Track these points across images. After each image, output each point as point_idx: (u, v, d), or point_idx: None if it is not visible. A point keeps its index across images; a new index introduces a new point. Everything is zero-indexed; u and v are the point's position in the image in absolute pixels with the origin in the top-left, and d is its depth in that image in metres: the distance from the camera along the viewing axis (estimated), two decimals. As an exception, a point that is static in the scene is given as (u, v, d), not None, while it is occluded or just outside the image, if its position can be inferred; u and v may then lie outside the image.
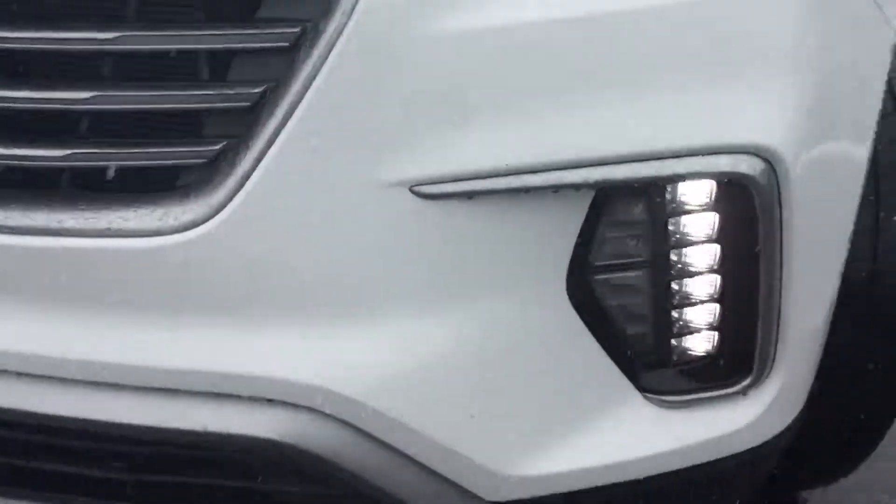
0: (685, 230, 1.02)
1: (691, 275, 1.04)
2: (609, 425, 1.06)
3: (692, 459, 1.10)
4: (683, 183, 0.98)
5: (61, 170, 0.93)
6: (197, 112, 0.90)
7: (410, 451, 0.98)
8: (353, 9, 0.87)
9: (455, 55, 0.88)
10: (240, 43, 0.88)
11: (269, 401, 0.95)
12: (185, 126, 0.91)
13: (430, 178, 0.90)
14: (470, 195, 0.92)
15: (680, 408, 1.09)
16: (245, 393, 0.94)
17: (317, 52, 0.86)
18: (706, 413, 1.10)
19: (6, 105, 0.93)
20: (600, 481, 1.06)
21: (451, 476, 1.01)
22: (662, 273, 1.03)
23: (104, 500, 1.05)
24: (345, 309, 0.93)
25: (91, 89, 0.90)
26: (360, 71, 0.87)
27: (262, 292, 0.91)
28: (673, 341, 1.07)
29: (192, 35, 0.89)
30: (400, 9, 0.88)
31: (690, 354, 1.08)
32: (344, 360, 0.94)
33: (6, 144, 0.93)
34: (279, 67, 0.87)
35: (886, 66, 1.08)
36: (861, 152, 1.07)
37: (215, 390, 0.94)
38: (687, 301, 1.06)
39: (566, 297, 1.00)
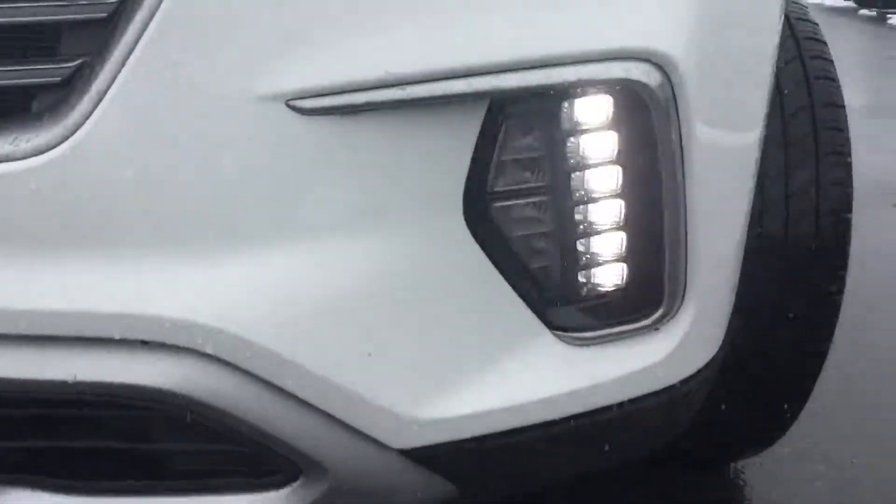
0: (584, 152, 0.97)
1: (594, 200, 1.00)
2: (518, 364, 1.00)
3: (606, 398, 1.05)
4: (579, 99, 0.94)
5: None
6: (51, 27, 0.83)
7: (306, 396, 0.91)
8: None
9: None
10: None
11: (145, 343, 0.87)
12: (39, 44, 0.84)
13: (307, 91, 0.85)
14: (352, 109, 0.86)
15: (591, 344, 1.04)
16: (116, 335, 0.86)
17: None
18: (619, 349, 1.05)
19: None
20: (512, 423, 1.00)
21: (351, 422, 0.94)
22: (563, 199, 0.99)
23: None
24: (222, 237, 0.86)
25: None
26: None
27: (126, 221, 0.84)
28: (579, 273, 1.02)
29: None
30: None
31: (598, 287, 1.04)
32: (223, 294, 0.87)
33: None
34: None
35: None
36: (761, 65, 1.04)
37: (82, 334, 0.86)
38: (591, 230, 1.01)
39: (465, 226, 0.95)
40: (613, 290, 1.04)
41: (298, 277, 0.89)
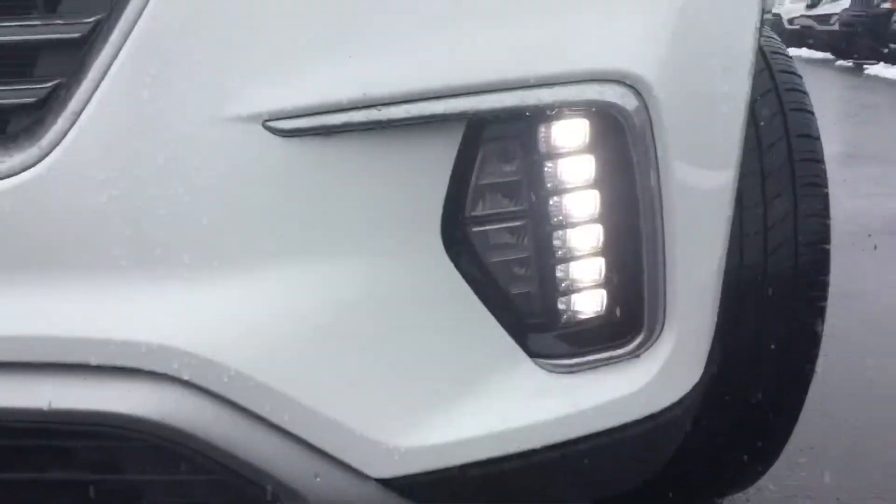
0: (561, 176, 0.98)
1: (572, 225, 1.00)
2: (498, 392, 0.99)
3: (588, 427, 1.03)
4: (556, 122, 0.95)
5: None
6: (27, 48, 0.83)
7: (283, 422, 0.90)
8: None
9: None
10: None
11: (120, 369, 0.86)
12: (14, 65, 0.84)
13: (284, 112, 0.85)
14: (329, 130, 0.86)
15: (572, 372, 1.03)
16: (92, 361, 0.85)
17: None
18: (599, 377, 1.04)
19: None
20: (493, 452, 0.99)
21: (330, 450, 0.92)
22: (541, 224, 0.98)
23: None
24: (198, 260, 0.86)
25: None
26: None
27: (100, 244, 0.83)
28: (558, 299, 1.02)
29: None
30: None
31: (578, 314, 1.03)
32: (200, 319, 0.86)
33: None
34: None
35: (756, 8, 1.08)
36: (736, 92, 1.05)
37: (57, 360, 0.85)
38: (570, 255, 1.01)
39: (443, 251, 0.95)
40: (593, 317, 1.04)
41: (275, 302, 0.88)
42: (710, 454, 1.40)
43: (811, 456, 1.90)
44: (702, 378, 1.15)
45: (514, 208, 0.97)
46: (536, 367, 1.01)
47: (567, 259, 1.01)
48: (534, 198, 0.97)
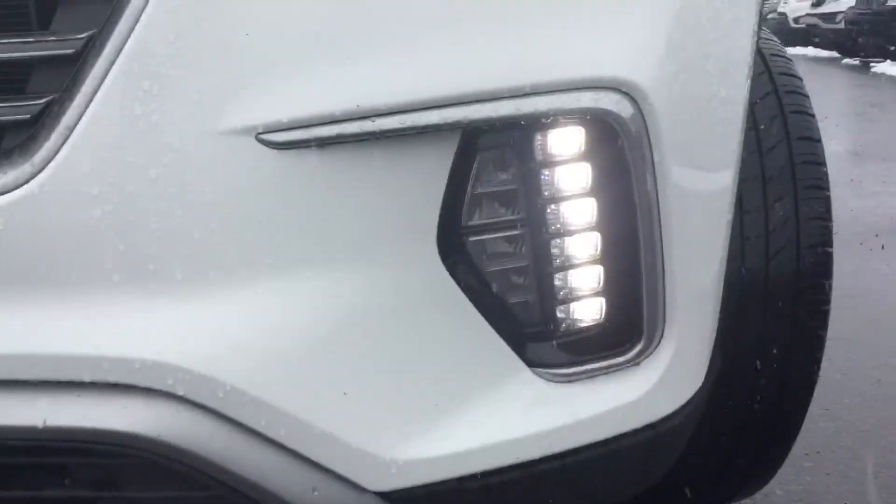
0: (558, 184, 0.97)
1: (569, 233, 0.99)
2: (497, 403, 0.99)
3: (588, 436, 1.03)
4: (552, 130, 0.94)
5: None
6: (20, 64, 0.82)
7: (279, 436, 0.89)
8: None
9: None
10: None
11: (114, 386, 0.85)
12: (8, 82, 0.83)
13: (277, 124, 0.84)
14: (323, 142, 0.86)
15: (571, 381, 1.02)
16: (86, 377, 0.85)
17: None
18: (599, 386, 1.03)
19: None
20: (492, 463, 0.98)
21: (327, 463, 0.92)
22: (539, 232, 0.98)
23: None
24: (191, 275, 0.85)
25: None
26: (186, 12, 0.81)
27: (94, 260, 0.83)
28: (557, 308, 1.01)
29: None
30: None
31: (577, 322, 1.02)
32: (193, 333, 0.86)
33: None
34: (102, 13, 0.81)
35: (753, 11, 1.07)
36: (734, 95, 1.04)
37: (51, 377, 0.84)
38: (568, 263, 1.00)
39: (440, 261, 0.94)
40: (592, 325, 1.03)
41: (270, 316, 0.88)
42: (714, 461, 1.39)
43: (817, 460, 1.89)
44: (703, 385, 1.14)
45: (510, 217, 0.97)
46: (535, 377, 1.00)
47: (565, 267, 1.00)
48: (530, 206, 0.97)
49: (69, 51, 0.81)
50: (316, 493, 0.93)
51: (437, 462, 0.96)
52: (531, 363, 1.00)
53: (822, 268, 1.33)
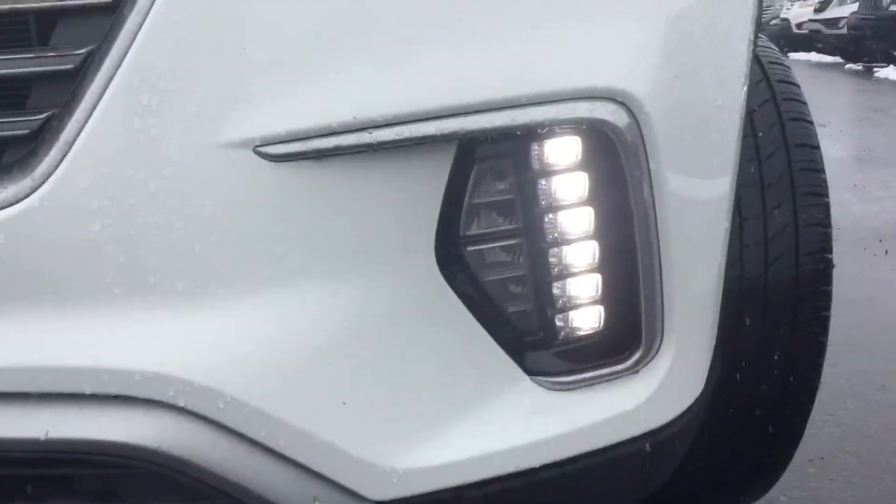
0: (555, 193, 0.98)
1: (567, 242, 1.00)
2: (496, 411, 0.99)
3: (587, 444, 1.03)
4: (549, 140, 0.95)
5: None
6: (20, 80, 0.83)
7: (280, 446, 0.90)
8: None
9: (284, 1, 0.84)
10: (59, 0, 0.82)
11: (115, 397, 0.86)
12: (7, 97, 0.84)
13: (275, 137, 0.85)
14: (321, 154, 0.86)
15: (570, 389, 1.03)
16: (87, 389, 0.85)
17: (139, 8, 0.82)
18: (598, 393, 1.04)
19: None
20: (491, 472, 0.99)
21: (327, 473, 0.92)
22: (537, 242, 0.98)
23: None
24: (191, 287, 0.86)
25: None
26: (184, 27, 0.82)
27: (94, 273, 0.83)
28: (555, 317, 1.02)
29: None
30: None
31: (575, 330, 1.03)
32: (194, 345, 0.86)
33: None
34: (101, 28, 0.82)
35: (749, 20, 1.08)
36: (730, 103, 1.04)
37: (52, 390, 0.85)
38: (566, 272, 1.01)
39: (438, 271, 0.95)
40: (590, 333, 1.03)
41: (270, 327, 0.89)
42: (716, 468, 1.40)
43: (821, 466, 1.88)
44: (703, 392, 1.15)
45: (508, 227, 0.97)
46: (534, 385, 1.01)
47: (563, 276, 1.01)
48: (528, 216, 0.97)
49: (68, 66, 0.82)
50: (317, 503, 0.93)
51: (436, 471, 0.96)
52: (530, 371, 1.01)
53: (822, 274, 1.33)
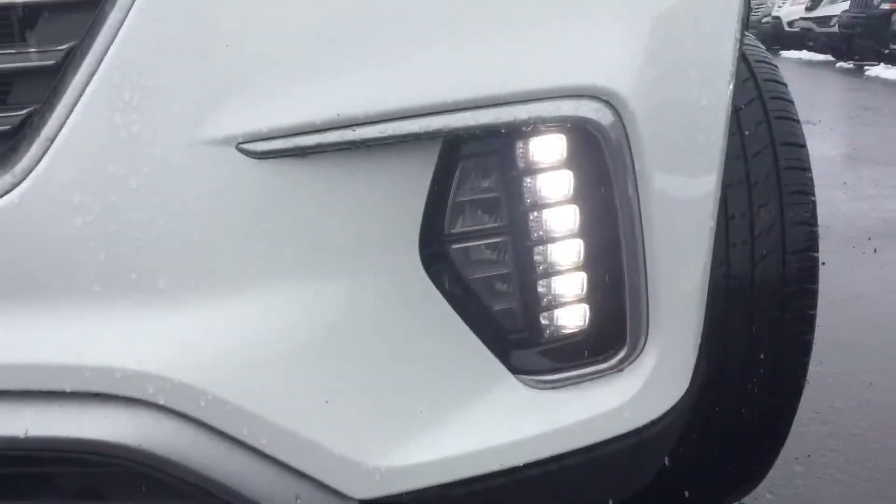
0: (540, 191, 0.97)
1: (552, 240, 0.99)
2: (481, 410, 0.99)
3: (572, 442, 1.03)
4: (533, 138, 0.95)
5: None
6: (1, 76, 0.83)
7: (261, 445, 0.89)
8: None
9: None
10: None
11: (96, 395, 0.86)
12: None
13: (257, 134, 0.84)
14: (304, 151, 0.86)
15: (554, 388, 1.02)
16: (67, 387, 0.85)
17: (120, 4, 0.81)
18: (582, 392, 1.04)
19: None
20: (476, 470, 0.98)
21: (310, 472, 0.92)
22: (521, 240, 0.98)
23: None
24: (173, 284, 0.85)
25: None
26: (165, 23, 0.82)
27: (75, 270, 0.83)
28: (540, 315, 1.01)
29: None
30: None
31: (560, 329, 1.03)
32: (174, 342, 0.86)
33: None
34: (83, 24, 0.82)
35: (735, 18, 1.07)
36: (716, 102, 1.04)
37: (32, 387, 0.85)
38: (550, 270, 1.00)
39: (422, 269, 0.95)
40: (575, 332, 1.03)
41: (252, 325, 0.88)
42: (703, 466, 1.40)
43: (808, 464, 1.89)
44: (688, 391, 1.14)
45: (492, 225, 0.97)
46: (519, 384, 1.01)
47: (548, 274, 1.00)
48: (512, 214, 0.97)
49: (50, 62, 0.82)
50: (299, 501, 0.93)
51: (420, 469, 0.96)
52: (515, 370, 1.00)
53: (808, 272, 1.33)
